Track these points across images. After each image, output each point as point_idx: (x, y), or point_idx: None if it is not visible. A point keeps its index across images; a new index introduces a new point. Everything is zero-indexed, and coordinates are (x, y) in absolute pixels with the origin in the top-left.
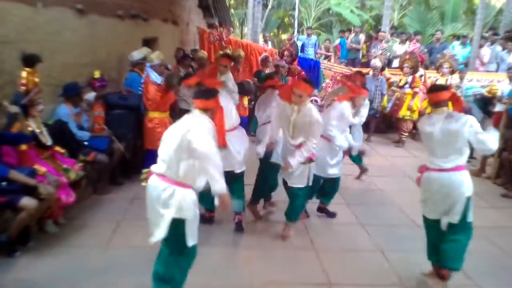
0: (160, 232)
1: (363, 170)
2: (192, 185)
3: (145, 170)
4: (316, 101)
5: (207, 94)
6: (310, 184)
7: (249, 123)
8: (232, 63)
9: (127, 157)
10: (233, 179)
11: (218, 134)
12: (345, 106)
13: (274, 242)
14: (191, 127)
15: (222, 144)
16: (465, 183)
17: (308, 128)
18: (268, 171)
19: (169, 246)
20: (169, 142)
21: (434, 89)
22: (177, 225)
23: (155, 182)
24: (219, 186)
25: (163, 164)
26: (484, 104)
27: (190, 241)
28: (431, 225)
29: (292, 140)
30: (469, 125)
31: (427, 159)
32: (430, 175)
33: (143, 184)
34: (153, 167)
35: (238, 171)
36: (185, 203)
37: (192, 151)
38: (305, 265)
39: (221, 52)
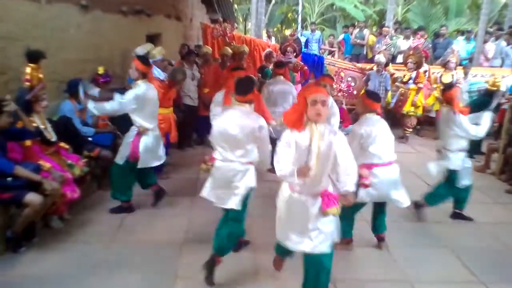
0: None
1: None
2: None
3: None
4: None
5: (248, 87)
6: None
7: None
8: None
9: None
10: None
11: (264, 115)
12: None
13: None
14: (257, 123)
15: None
16: None
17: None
18: None
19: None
20: (233, 133)
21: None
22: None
23: (232, 165)
24: (267, 162)
25: (229, 150)
26: (489, 98)
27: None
28: None
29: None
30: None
31: None
32: None
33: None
34: (218, 155)
35: None
36: (255, 176)
37: (257, 139)
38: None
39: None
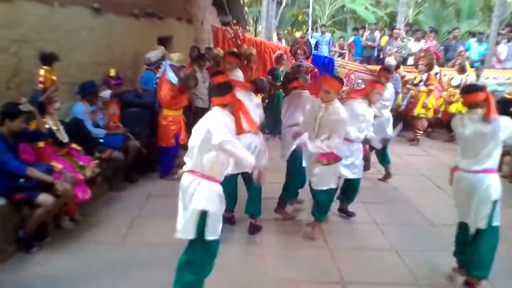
0: (184, 226)
1: (388, 175)
2: (218, 178)
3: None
4: None
5: (222, 91)
6: (335, 186)
7: None
8: (240, 61)
9: (144, 152)
10: (249, 181)
11: (236, 125)
12: (357, 104)
13: (288, 240)
14: (209, 123)
15: (239, 133)
16: (492, 186)
17: (333, 126)
18: (296, 170)
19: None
20: (193, 139)
21: (469, 90)
22: (200, 217)
23: (185, 178)
24: (247, 161)
25: (190, 160)
26: (505, 106)
27: (209, 235)
28: (460, 227)
29: (316, 138)
30: (503, 127)
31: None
32: (458, 175)
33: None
34: (184, 167)
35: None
36: (210, 195)
37: (212, 144)
38: (319, 263)
39: (228, 51)
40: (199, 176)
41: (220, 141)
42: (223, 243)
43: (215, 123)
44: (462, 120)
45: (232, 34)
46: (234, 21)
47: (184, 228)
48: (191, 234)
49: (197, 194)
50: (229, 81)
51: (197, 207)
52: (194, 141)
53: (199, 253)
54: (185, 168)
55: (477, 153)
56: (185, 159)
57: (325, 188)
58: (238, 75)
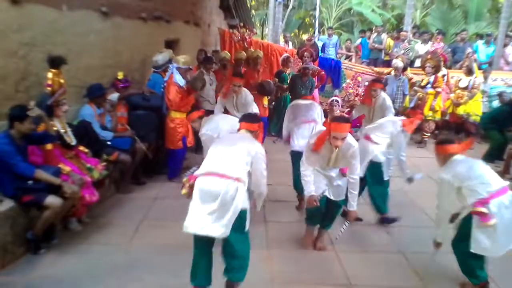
0: (227, 224)
1: None
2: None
3: (185, 179)
4: (337, 101)
5: (253, 119)
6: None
7: (269, 124)
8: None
9: (149, 157)
10: None
11: None
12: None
13: (294, 242)
14: (255, 149)
15: None
16: None
17: (351, 158)
18: None
19: (235, 232)
20: (230, 150)
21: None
22: (241, 215)
23: (217, 182)
24: (264, 189)
25: (223, 165)
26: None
27: (247, 227)
28: None
29: (331, 170)
30: None
31: None
32: None
33: (184, 192)
34: (209, 168)
35: None
36: (245, 196)
37: (253, 165)
38: (325, 266)
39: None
40: (235, 180)
41: (261, 170)
42: None
43: (258, 150)
44: None
45: (239, 37)
46: (241, 24)
47: (227, 226)
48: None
49: (238, 196)
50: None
51: (239, 207)
52: (231, 152)
53: (242, 243)
54: (205, 170)
55: None
56: (210, 164)
57: (343, 198)
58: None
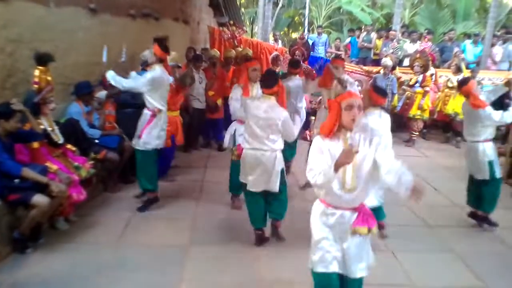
0: (277, 182)
1: None
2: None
3: (234, 148)
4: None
5: (271, 83)
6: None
7: None
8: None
9: None
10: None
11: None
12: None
13: (282, 241)
14: (280, 114)
15: None
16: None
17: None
18: None
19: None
20: (260, 122)
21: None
22: (282, 173)
23: (257, 153)
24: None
25: (257, 139)
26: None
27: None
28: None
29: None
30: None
31: None
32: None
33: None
34: (247, 143)
35: None
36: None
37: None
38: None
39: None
40: (270, 150)
41: (291, 132)
42: (222, 244)
43: (286, 118)
44: None
45: (229, 35)
46: (231, 22)
47: (275, 184)
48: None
49: (278, 160)
50: (274, 70)
51: (279, 168)
52: (261, 124)
53: (283, 191)
54: (248, 145)
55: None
56: (248, 139)
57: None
58: None
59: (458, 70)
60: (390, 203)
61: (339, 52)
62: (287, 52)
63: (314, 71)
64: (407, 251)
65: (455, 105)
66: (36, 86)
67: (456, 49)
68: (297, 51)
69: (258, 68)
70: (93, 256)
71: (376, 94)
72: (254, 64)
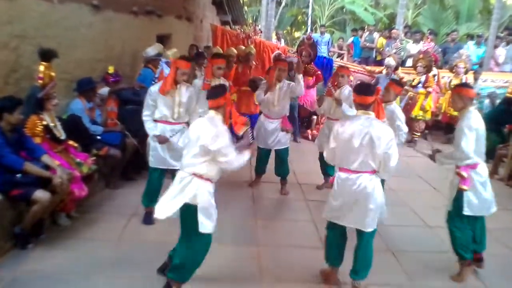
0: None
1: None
2: (210, 178)
3: None
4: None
5: (215, 93)
6: None
7: None
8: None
9: (141, 152)
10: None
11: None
12: None
13: (284, 239)
14: (206, 134)
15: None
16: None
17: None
18: None
19: (183, 230)
20: (190, 143)
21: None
22: (191, 211)
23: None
24: (240, 164)
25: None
26: (507, 106)
27: (202, 228)
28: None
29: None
30: None
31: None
32: None
33: None
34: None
35: None
36: (200, 191)
37: (210, 153)
38: (315, 263)
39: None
40: (192, 174)
41: (225, 156)
42: (217, 242)
43: (215, 137)
44: None
45: (244, 35)
46: (250, 22)
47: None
48: None
49: (188, 190)
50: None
51: (187, 201)
52: (190, 146)
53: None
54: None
55: None
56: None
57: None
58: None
59: (466, 72)
60: (391, 204)
61: (342, 52)
62: (295, 52)
63: (319, 72)
64: (407, 251)
65: None
66: (40, 81)
67: (464, 52)
68: (304, 52)
69: (222, 67)
70: (93, 252)
71: (395, 85)
72: (220, 63)
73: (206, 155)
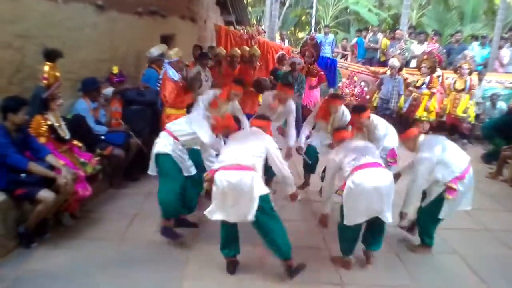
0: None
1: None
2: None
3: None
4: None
5: (264, 117)
6: None
7: None
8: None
9: (145, 152)
10: None
11: None
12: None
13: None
14: (268, 143)
15: None
16: None
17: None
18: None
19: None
20: (245, 145)
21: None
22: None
23: (237, 174)
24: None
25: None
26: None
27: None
28: None
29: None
30: None
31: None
32: None
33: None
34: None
35: None
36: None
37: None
38: (318, 265)
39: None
40: (251, 170)
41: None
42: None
43: (268, 143)
44: None
45: (248, 36)
46: (254, 22)
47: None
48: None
49: (255, 184)
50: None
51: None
52: (245, 147)
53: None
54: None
55: None
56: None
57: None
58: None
59: (471, 73)
60: (394, 205)
61: (346, 53)
62: (299, 52)
63: (322, 72)
64: (411, 253)
65: (464, 107)
66: (45, 81)
67: (469, 53)
68: (306, 52)
69: (239, 95)
70: (97, 252)
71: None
72: (239, 91)
73: None
